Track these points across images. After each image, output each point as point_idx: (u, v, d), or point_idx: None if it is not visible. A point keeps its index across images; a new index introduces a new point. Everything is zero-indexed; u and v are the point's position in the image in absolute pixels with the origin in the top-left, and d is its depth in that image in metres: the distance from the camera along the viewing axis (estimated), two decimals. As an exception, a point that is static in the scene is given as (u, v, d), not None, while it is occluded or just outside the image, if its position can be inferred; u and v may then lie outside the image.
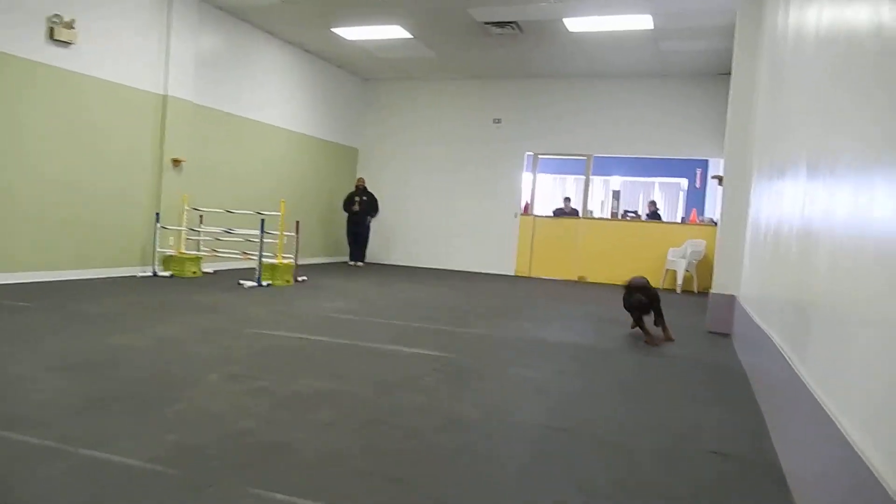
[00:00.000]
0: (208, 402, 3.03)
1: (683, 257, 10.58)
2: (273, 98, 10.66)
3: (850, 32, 2.28)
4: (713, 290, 6.46)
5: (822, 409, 2.03)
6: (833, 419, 1.90)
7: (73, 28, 7.09)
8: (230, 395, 3.18)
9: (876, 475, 1.46)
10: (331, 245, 12.51)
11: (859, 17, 2.14)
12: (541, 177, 14.80)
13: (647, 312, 5.59)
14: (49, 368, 3.46)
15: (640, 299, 5.54)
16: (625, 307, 5.76)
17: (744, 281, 5.76)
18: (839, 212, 2.17)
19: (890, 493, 1.36)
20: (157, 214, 8.17)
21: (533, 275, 11.96)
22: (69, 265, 7.30)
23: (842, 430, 1.79)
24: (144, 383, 3.29)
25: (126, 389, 3.17)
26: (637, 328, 5.81)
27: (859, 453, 1.61)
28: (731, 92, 6.46)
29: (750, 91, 6.30)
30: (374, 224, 12.26)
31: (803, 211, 2.88)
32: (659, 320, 5.64)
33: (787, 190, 3.46)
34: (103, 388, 3.15)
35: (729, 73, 6.56)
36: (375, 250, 12.81)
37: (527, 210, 12.43)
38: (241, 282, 7.69)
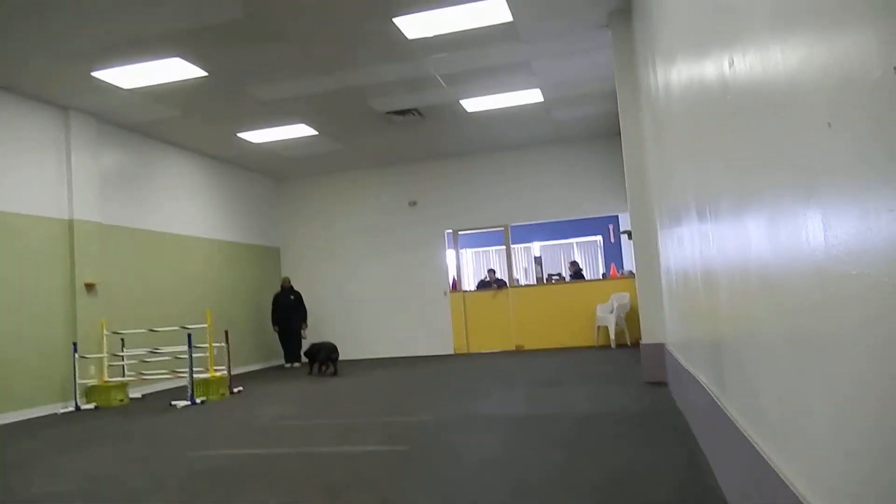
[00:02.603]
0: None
1: (611, 312, 10.88)
2: (185, 208, 10.56)
3: (702, 89, 2.54)
4: (643, 341, 6.67)
5: (747, 439, 2.14)
6: (758, 450, 2.01)
7: (-34, 164, 6.91)
8: (168, 524, 3.02)
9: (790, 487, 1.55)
10: (264, 349, 12.18)
11: (707, 74, 2.40)
12: (464, 252, 15.09)
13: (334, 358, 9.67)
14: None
15: (330, 347, 9.72)
16: (312, 353, 9.81)
17: (668, 328, 5.99)
18: (728, 248, 2.36)
19: (798, 496, 1.50)
20: (75, 344, 7.80)
21: (472, 350, 11.98)
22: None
23: (770, 464, 1.89)
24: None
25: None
26: (315, 370, 9.85)
27: (782, 478, 1.71)
28: (623, 151, 6.89)
29: (639, 148, 6.73)
30: (308, 320, 12.00)
31: (701, 254, 3.09)
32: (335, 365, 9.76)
33: (685, 236, 3.70)
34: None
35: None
36: (310, 348, 12.51)
37: (455, 287, 12.58)
38: (174, 402, 7.35)
